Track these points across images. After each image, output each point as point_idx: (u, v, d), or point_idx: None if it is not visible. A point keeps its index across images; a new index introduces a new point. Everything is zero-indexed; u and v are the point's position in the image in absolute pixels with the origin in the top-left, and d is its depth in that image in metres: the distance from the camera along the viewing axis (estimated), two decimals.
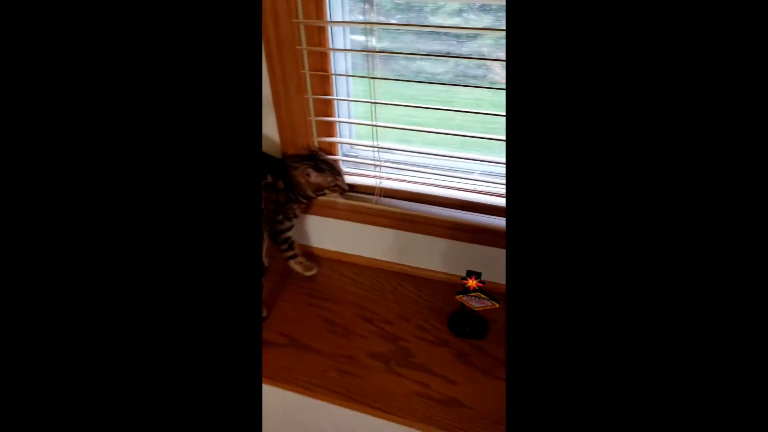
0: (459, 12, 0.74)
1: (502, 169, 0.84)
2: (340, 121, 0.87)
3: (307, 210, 0.96)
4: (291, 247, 0.94)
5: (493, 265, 0.87)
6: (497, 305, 0.77)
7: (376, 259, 1.00)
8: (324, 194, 0.87)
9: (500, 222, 0.84)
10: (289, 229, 0.92)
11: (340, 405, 0.73)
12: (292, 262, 0.96)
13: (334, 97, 0.85)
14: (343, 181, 0.86)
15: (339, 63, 0.84)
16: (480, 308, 0.79)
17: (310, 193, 0.86)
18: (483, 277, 0.77)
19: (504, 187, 0.82)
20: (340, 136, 0.90)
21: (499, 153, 0.83)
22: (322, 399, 0.74)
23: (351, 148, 0.93)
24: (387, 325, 0.86)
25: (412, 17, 0.77)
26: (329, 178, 0.85)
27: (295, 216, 0.91)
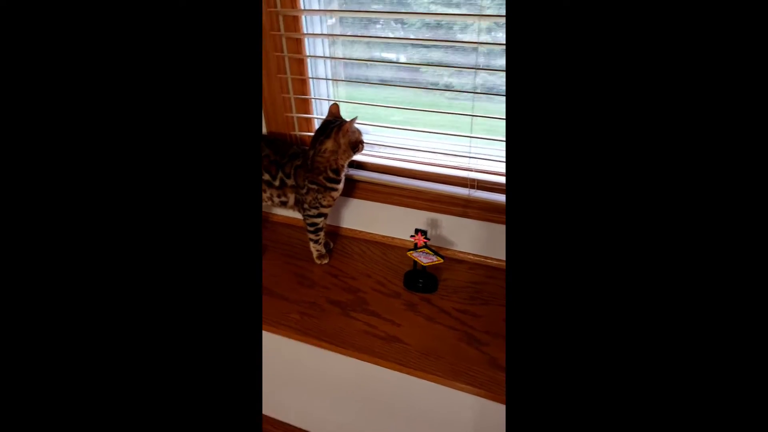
0: None
1: (449, 141, 0.94)
2: (313, 98, 0.99)
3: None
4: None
5: (453, 231, 0.96)
6: (442, 260, 0.86)
7: (348, 228, 1.11)
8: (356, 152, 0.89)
9: (454, 190, 0.93)
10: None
11: (297, 340, 0.84)
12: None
13: (308, 76, 0.97)
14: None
15: (318, 49, 0.96)
16: (428, 263, 0.88)
17: (343, 161, 0.88)
18: (448, 244, 0.86)
19: (447, 156, 0.92)
20: (317, 114, 1.02)
21: (450, 128, 0.93)
22: (282, 335, 0.85)
23: None
24: (350, 279, 0.96)
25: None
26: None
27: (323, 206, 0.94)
